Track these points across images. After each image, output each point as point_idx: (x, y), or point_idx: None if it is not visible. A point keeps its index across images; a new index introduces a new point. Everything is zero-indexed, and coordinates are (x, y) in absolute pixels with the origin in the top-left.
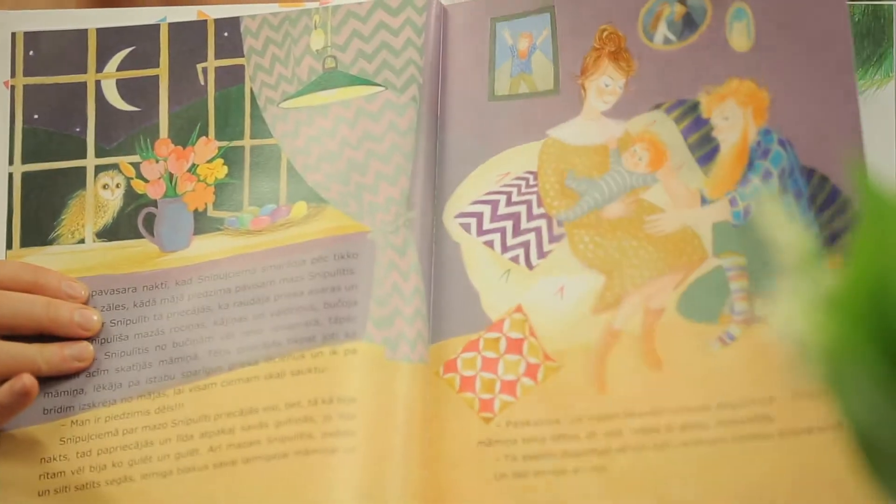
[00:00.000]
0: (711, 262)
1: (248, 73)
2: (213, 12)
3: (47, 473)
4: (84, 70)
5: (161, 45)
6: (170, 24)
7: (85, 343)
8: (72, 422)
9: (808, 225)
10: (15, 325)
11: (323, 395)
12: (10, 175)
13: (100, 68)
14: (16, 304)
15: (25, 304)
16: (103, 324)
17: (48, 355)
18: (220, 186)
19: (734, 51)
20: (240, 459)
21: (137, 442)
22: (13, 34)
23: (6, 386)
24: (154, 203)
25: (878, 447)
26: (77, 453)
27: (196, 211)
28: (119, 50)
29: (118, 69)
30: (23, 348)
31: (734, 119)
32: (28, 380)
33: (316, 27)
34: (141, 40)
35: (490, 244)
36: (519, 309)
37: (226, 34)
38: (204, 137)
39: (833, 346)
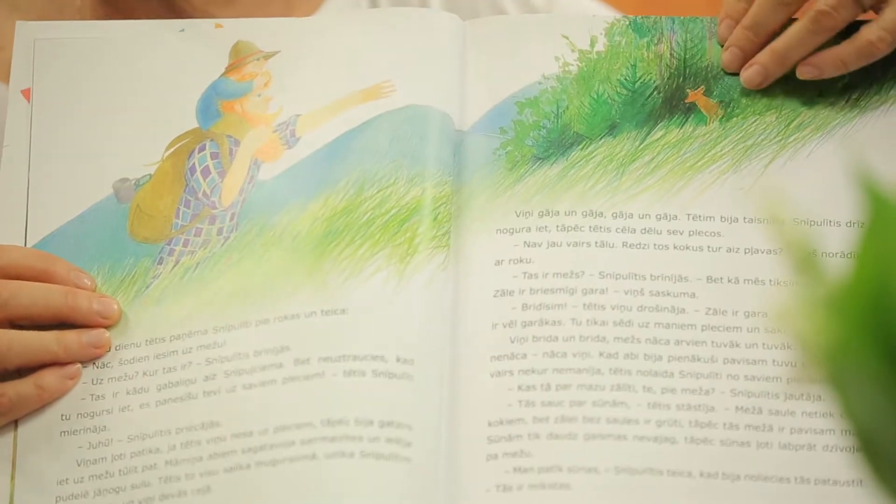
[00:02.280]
0: None
1: None
2: (230, 25)
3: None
4: None
5: None
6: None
7: (101, 329)
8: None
9: None
10: (32, 315)
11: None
12: (29, 180)
13: None
14: (32, 293)
15: (42, 293)
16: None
17: (67, 342)
18: None
19: None
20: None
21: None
22: (34, 41)
23: (54, 370)
24: None
25: (880, 448)
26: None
27: None
28: None
29: None
30: (39, 336)
31: None
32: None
33: None
34: None
35: None
36: None
37: None
38: None
39: (835, 347)
